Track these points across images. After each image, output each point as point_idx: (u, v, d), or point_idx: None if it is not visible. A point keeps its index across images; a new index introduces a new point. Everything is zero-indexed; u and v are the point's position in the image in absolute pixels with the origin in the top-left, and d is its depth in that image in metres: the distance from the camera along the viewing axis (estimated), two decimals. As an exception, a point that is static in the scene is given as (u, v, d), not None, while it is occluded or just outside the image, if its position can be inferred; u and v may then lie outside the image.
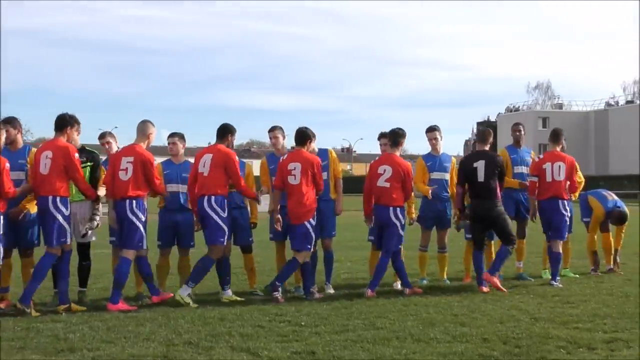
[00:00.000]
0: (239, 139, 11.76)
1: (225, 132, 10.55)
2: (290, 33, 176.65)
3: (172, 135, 11.12)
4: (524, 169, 12.45)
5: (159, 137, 10.98)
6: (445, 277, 12.26)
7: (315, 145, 11.04)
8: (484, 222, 11.20)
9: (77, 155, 9.84)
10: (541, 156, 12.27)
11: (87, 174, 10.23)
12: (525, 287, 11.38)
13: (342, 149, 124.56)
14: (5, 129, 10.02)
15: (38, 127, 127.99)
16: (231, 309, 9.57)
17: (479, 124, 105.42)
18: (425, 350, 7.22)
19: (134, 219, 9.90)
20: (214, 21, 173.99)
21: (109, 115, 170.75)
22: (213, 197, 10.16)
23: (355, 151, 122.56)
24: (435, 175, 12.01)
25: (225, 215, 10.24)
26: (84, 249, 10.47)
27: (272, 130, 11.44)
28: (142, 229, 9.96)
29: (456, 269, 12.94)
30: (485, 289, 10.96)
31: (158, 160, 10.46)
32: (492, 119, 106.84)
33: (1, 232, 9.43)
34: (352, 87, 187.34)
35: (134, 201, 9.91)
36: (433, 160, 12.06)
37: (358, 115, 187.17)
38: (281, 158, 10.93)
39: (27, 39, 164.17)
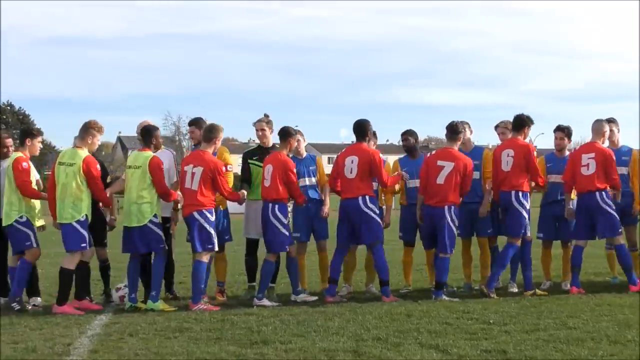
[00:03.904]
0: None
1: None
2: (461, 28, 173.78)
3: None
4: None
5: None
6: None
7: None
8: None
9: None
10: None
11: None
12: None
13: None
14: (191, 130, 10.64)
15: (224, 127, 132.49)
16: (417, 306, 9.59)
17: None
18: (623, 353, 6.90)
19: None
20: (381, 19, 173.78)
21: (287, 114, 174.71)
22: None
23: (536, 146, 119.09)
24: None
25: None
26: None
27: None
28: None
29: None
30: None
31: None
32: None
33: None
34: (530, 81, 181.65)
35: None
36: None
37: (538, 110, 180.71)
38: None
39: (208, 42, 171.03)
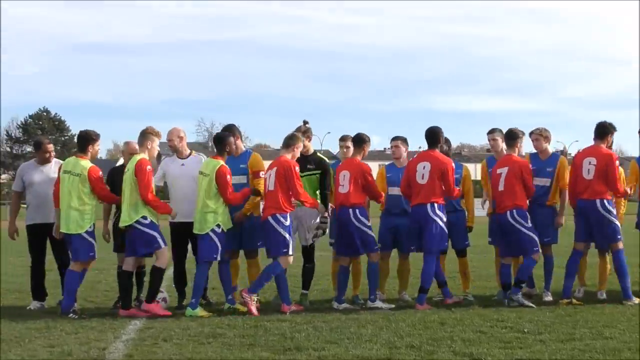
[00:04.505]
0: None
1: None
2: (495, 35, 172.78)
3: (395, 138, 11.22)
4: None
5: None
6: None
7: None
8: None
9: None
10: None
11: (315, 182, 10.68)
12: None
13: (557, 152, 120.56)
14: None
15: (256, 133, 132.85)
16: (451, 314, 9.54)
17: None
18: (660, 363, 6.83)
19: None
20: (415, 26, 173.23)
21: (320, 121, 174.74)
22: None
23: (570, 154, 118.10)
24: None
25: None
26: (309, 251, 10.80)
27: (491, 132, 11.25)
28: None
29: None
30: None
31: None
32: None
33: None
34: (566, 88, 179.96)
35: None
36: None
37: (573, 117, 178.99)
38: None
39: (241, 49, 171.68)
